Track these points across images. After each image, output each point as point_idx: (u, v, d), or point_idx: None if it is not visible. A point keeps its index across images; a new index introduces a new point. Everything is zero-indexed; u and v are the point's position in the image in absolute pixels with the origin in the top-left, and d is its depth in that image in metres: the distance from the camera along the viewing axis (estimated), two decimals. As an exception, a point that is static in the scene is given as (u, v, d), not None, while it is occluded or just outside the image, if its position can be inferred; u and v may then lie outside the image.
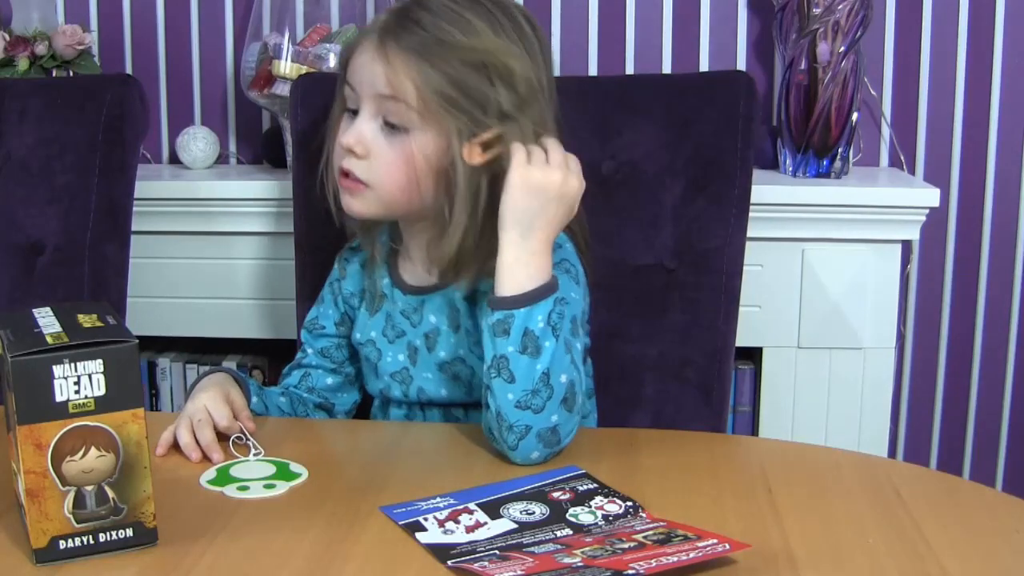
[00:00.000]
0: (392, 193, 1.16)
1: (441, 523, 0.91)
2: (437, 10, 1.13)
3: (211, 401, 1.13)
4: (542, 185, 1.08)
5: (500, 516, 0.93)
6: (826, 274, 1.74)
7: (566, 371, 1.06)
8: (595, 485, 0.99)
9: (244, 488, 1.01)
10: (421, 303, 1.23)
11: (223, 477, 1.03)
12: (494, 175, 1.12)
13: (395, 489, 0.99)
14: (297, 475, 1.04)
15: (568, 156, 1.12)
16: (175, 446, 1.10)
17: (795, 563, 0.85)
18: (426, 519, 0.92)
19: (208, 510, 0.95)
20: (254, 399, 1.22)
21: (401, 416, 1.28)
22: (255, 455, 1.08)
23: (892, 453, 2.00)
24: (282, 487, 1.01)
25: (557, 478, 1.01)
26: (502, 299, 1.07)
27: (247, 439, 1.11)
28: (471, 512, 0.93)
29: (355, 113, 1.17)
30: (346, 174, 1.17)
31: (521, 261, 1.08)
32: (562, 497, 0.97)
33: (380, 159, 1.15)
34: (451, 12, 1.13)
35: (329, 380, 1.33)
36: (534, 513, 0.94)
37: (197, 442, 1.09)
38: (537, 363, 1.05)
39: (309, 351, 1.34)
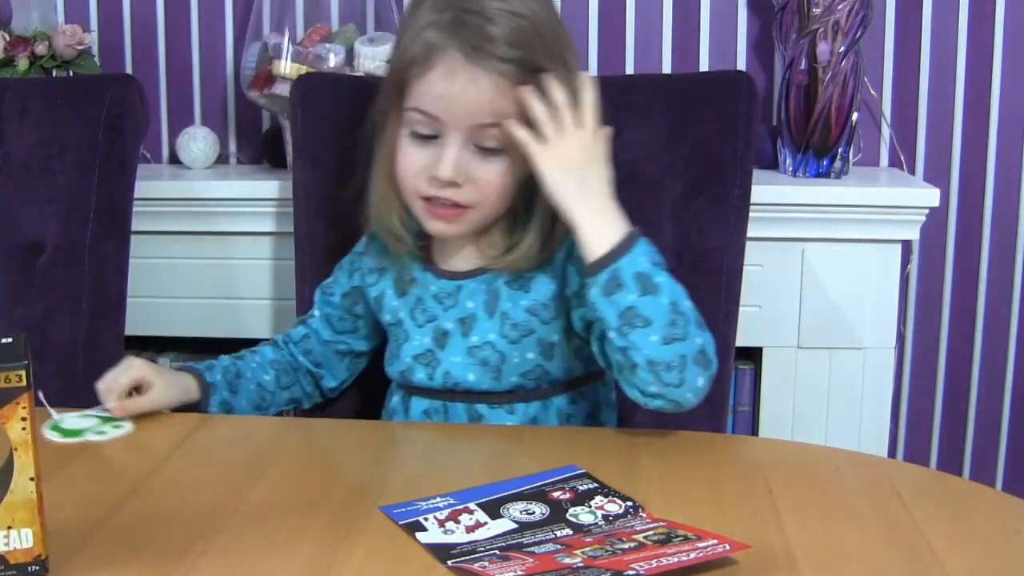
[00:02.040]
0: (495, 208, 1.18)
1: (441, 523, 0.91)
2: (497, 14, 1.10)
3: (126, 372, 1.19)
4: (568, 160, 1.10)
5: (500, 516, 0.93)
6: (826, 274, 1.74)
7: (686, 296, 1.08)
8: (595, 485, 0.99)
9: (76, 433, 1.13)
10: (457, 288, 1.23)
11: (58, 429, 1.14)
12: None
13: (395, 489, 0.99)
14: (120, 425, 1.15)
15: (582, 105, 1.11)
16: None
17: (795, 563, 0.85)
18: (426, 519, 0.92)
19: (209, 510, 0.95)
20: (213, 407, 1.24)
21: (421, 410, 1.25)
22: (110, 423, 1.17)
23: (892, 453, 2.00)
24: (112, 432, 1.13)
25: (557, 478, 1.01)
26: (601, 259, 1.07)
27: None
28: (471, 512, 0.93)
29: (426, 138, 1.14)
30: (429, 199, 1.16)
31: (599, 224, 1.09)
32: (562, 497, 0.97)
33: (481, 181, 1.15)
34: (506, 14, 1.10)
35: (324, 345, 1.35)
36: (534, 513, 0.94)
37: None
38: (661, 298, 1.06)
39: (317, 313, 1.35)
